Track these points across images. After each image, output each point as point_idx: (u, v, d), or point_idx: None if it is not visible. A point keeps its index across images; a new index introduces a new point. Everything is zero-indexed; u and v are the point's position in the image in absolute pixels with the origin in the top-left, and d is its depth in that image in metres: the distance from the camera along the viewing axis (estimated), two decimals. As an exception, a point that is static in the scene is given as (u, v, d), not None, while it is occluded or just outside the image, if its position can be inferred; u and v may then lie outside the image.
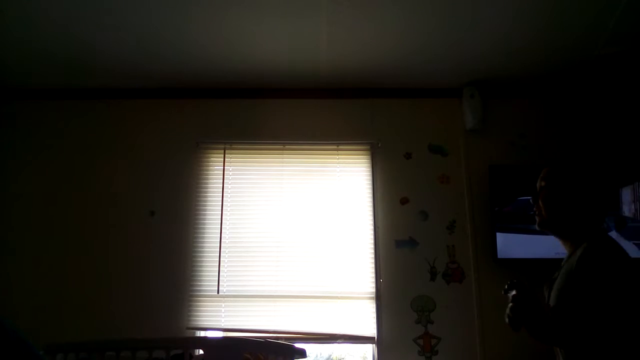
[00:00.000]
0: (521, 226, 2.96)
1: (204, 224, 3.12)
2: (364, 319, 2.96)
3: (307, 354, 1.76)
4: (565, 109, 3.29)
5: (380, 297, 2.99)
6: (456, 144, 3.24)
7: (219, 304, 3.00)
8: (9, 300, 2.95)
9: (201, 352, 1.60)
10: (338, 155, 3.24)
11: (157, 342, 1.40)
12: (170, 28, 2.74)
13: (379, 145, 3.24)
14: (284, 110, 3.30)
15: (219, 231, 3.10)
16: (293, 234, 3.11)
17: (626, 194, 2.95)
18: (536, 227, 1.75)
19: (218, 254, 3.06)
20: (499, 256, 2.95)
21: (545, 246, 2.88)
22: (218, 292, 3.01)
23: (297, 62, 3.06)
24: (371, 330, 2.94)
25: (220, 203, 3.14)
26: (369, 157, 3.24)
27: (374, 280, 3.02)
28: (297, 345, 1.72)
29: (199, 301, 3.00)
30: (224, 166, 3.22)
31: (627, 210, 2.92)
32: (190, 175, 3.20)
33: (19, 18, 2.65)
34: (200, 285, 3.03)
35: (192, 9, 2.59)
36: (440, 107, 3.31)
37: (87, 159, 3.22)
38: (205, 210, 3.15)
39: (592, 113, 3.27)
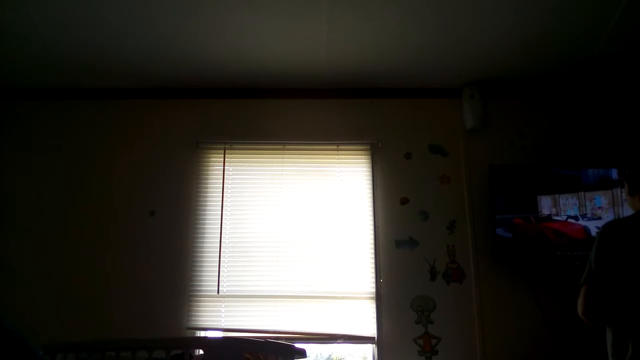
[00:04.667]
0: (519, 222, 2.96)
1: (204, 224, 3.12)
2: (364, 319, 2.96)
3: (307, 354, 1.76)
4: (565, 109, 3.29)
5: (380, 297, 2.99)
6: (456, 144, 3.24)
7: (219, 304, 3.00)
8: (9, 300, 2.94)
9: (201, 352, 1.61)
10: (338, 155, 3.24)
11: (157, 342, 1.41)
12: (171, 28, 2.74)
13: (379, 145, 3.24)
14: (284, 110, 3.30)
15: (219, 231, 3.10)
16: (293, 234, 3.10)
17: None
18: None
19: (218, 254, 3.06)
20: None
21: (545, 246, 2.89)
22: (218, 292, 3.01)
23: (297, 62, 3.06)
24: (371, 330, 2.94)
25: (220, 203, 3.14)
26: (369, 157, 3.24)
27: (374, 280, 3.02)
28: (297, 345, 1.72)
29: (199, 301, 3.00)
30: (224, 166, 3.22)
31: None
32: (190, 175, 3.19)
33: (19, 18, 2.65)
34: (200, 285, 3.03)
35: (192, 9, 2.59)
36: (440, 107, 3.31)
37: (87, 159, 3.22)
38: (205, 210, 3.15)
39: (592, 113, 3.27)
